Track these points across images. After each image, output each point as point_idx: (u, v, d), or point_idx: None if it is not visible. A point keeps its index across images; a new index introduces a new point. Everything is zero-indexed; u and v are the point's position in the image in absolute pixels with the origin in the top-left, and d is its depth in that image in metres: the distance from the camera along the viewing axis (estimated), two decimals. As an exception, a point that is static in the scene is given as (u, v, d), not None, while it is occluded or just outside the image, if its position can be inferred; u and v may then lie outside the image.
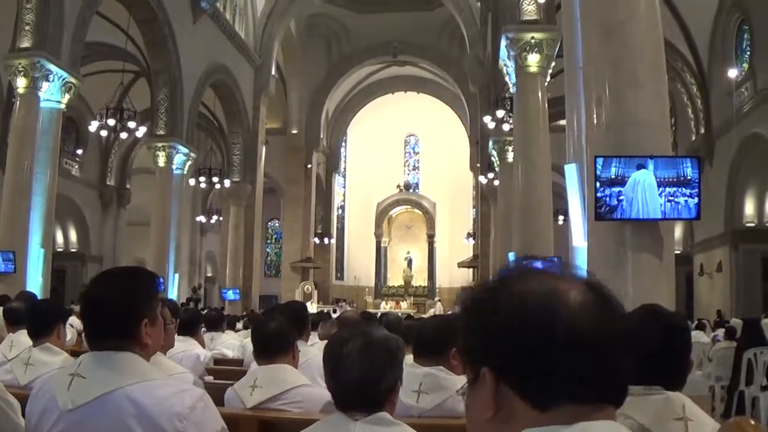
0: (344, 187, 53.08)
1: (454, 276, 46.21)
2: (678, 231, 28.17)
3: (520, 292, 1.25)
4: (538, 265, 1.32)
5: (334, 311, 28.25)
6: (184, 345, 6.44)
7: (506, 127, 22.21)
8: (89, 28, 22.38)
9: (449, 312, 33.67)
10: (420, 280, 50.41)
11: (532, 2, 18.55)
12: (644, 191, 7.40)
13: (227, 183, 33.62)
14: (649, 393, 2.70)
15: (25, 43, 19.86)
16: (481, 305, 1.31)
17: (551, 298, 1.23)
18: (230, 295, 33.64)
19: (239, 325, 15.00)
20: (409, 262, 50.94)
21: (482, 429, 1.29)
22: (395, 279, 50.97)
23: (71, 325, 10.25)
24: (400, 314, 15.53)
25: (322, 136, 46.15)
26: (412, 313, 25.89)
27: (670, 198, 7.43)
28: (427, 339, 4.18)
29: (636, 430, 2.60)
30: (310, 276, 43.28)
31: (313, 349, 6.30)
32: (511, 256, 9.72)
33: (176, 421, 2.45)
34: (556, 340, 1.19)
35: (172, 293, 26.48)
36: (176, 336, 6.08)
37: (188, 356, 6.17)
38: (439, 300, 43.94)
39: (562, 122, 10.13)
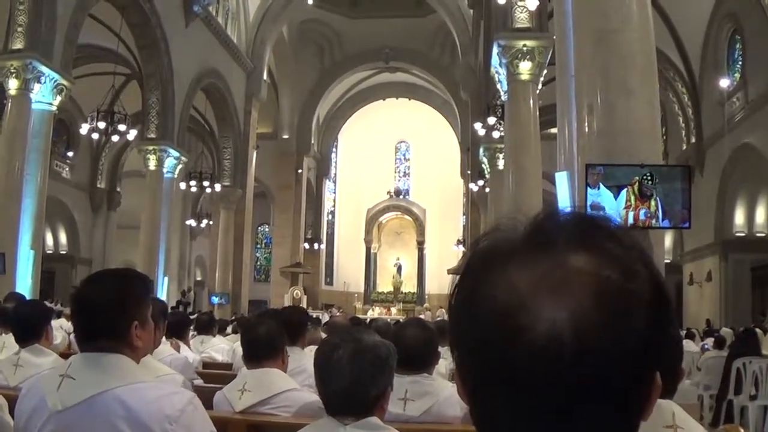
0: (334, 192, 52.94)
1: (443, 283, 45.92)
2: (668, 240, 28.23)
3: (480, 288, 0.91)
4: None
5: (331, 317, 28.19)
6: (172, 348, 6.45)
7: (497, 134, 22.15)
8: (81, 30, 22.35)
9: (438, 318, 33.70)
10: (409, 286, 50.25)
11: (525, 10, 18.53)
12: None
13: (218, 187, 33.44)
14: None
15: (18, 45, 19.82)
16: (455, 286, 0.97)
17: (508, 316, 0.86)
18: (216, 299, 33.68)
19: (229, 329, 14.97)
20: (399, 269, 50.77)
21: None
22: (384, 285, 50.79)
23: (61, 327, 10.23)
24: (389, 320, 15.53)
25: (313, 142, 46.10)
26: (401, 320, 25.80)
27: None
28: (410, 354, 3.95)
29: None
30: (299, 281, 43.10)
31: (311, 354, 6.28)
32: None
33: (166, 423, 2.45)
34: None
35: (162, 297, 26.33)
36: (164, 339, 6.10)
37: (177, 359, 6.15)
38: (429, 309, 43.80)
39: (553, 130, 10.10)
